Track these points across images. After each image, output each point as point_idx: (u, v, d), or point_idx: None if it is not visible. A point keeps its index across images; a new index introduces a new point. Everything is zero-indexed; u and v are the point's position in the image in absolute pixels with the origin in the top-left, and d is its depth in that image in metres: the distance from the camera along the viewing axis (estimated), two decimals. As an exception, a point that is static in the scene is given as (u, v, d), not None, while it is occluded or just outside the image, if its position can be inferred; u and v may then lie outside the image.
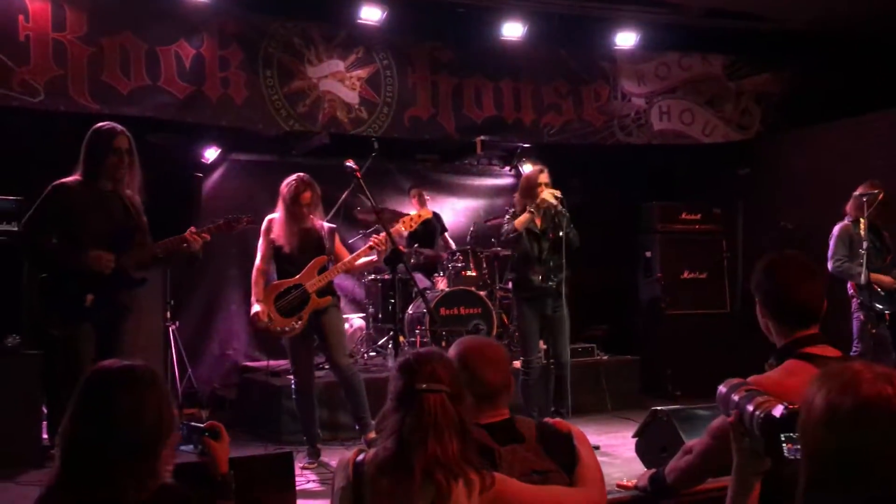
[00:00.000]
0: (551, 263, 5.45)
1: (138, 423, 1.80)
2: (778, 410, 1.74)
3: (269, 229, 5.11)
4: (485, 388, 2.22)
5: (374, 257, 5.08)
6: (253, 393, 6.56)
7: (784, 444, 1.68)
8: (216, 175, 7.57)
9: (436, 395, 1.95)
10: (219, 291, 7.43)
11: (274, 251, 5.10)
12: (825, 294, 2.39)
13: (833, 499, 1.33)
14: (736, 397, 1.90)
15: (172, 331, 6.34)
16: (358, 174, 4.78)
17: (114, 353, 4.05)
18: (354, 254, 5.12)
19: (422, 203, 7.67)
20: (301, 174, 5.11)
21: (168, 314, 6.27)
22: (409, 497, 1.88)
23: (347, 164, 4.82)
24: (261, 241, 5.15)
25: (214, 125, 6.62)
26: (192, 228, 4.39)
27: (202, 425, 2.18)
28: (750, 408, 1.81)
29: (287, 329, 4.97)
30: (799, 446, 1.62)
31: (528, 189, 5.49)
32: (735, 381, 2.03)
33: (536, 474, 2.11)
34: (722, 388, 2.02)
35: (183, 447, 2.13)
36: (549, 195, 5.37)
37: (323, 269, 5.06)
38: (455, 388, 2.00)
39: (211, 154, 7.43)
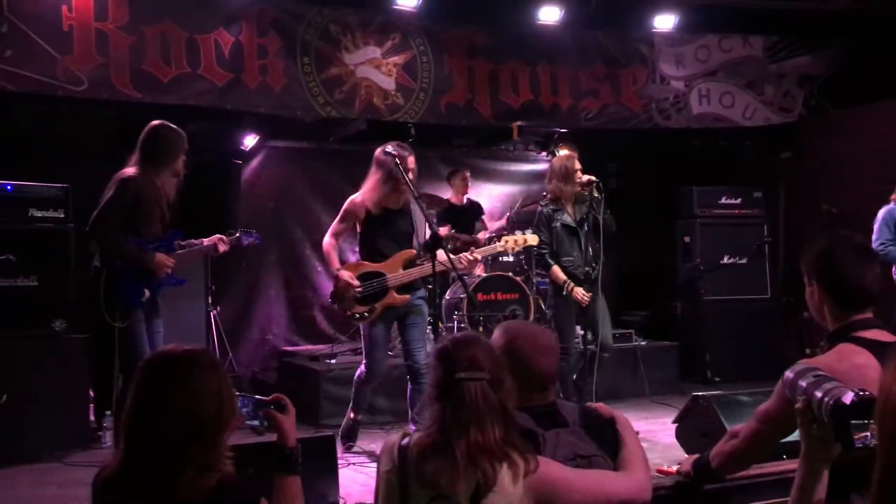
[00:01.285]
0: (590, 252, 5.43)
1: (201, 408, 1.80)
2: (848, 397, 1.68)
3: (353, 209, 4.87)
4: (537, 376, 2.22)
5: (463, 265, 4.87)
6: (293, 377, 6.64)
7: (854, 432, 1.63)
8: (255, 162, 7.63)
9: (476, 382, 1.95)
10: (258, 277, 7.51)
11: (361, 234, 4.92)
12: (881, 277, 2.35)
13: None
14: (804, 383, 1.84)
15: (213, 316, 6.43)
16: (397, 160, 4.77)
17: (153, 346, 4.34)
18: (445, 259, 4.65)
19: (465, 188, 7.66)
20: (397, 142, 4.90)
21: (209, 300, 6.35)
22: (453, 482, 1.89)
23: (387, 149, 4.82)
24: (339, 218, 4.93)
25: (253, 112, 6.67)
26: (223, 238, 4.65)
27: (267, 398, 2.13)
28: (818, 394, 1.75)
29: (356, 315, 4.80)
30: (869, 434, 1.58)
31: (567, 175, 5.45)
32: (802, 365, 1.99)
33: (581, 458, 2.11)
34: (789, 374, 1.98)
35: (248, 422, 2.09)
36: (586, 177, 5.39)
37: (410, 264, 4.83)
38: (495, 372, 1.99)
39: (250, 141, 7.49)
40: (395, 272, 4.79)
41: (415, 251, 4.86)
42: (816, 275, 2.35)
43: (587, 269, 5.42)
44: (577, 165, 5.50)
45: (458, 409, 1.93)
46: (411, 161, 4.81)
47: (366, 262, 4.88)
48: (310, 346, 7.22)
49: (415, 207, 4.86)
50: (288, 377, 6.77)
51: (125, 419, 1.84)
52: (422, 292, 4.98)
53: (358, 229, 5.00)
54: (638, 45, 7.66)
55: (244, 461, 1.94)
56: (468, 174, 7.71)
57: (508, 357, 2.15)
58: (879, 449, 1.38)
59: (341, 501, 3.55)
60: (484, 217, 7.87)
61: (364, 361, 4.95)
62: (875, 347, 2.18)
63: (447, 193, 7.73)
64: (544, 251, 5.53)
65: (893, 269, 5.68)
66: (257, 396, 2.14)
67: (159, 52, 6.03)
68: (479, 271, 7.04)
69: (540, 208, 5.63)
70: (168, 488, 1.76)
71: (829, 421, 1.70)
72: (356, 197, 4.91)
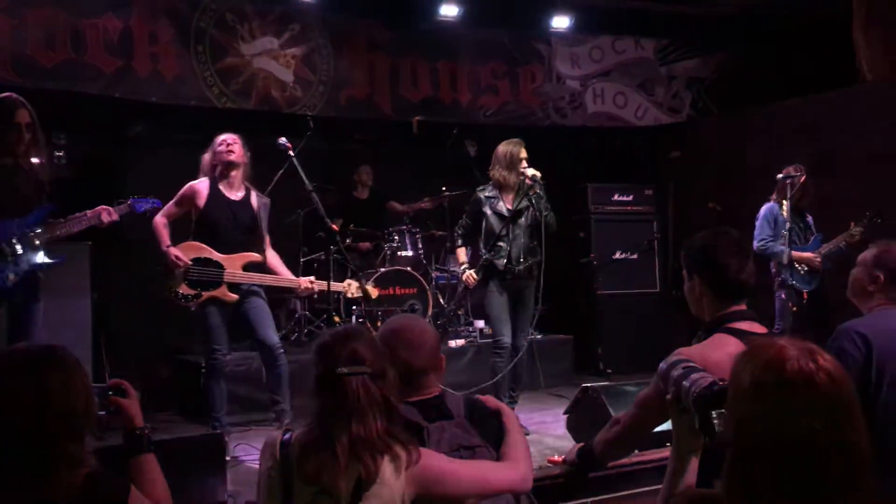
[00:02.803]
0: (522, 245, 5.27)
1: (70, 402, 1.78)
2: (710, 387, 1.76)
3: (190, 195, 4.74)
4: (404, 370, 2.22)
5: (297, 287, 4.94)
6: (185, 374, 6.45)
7: (716, 421, 1.69)
8: (146, 153, 7.38)
9: (357, 377, 1.94)
10: (151, 271, 7.26)
11: (199, 223, 4.75)
12: (756, 271, 2.47)
13: (759, 474, 1.36)
14: (675, 374, 1.90)
15: (101, 312, 6.18)
16: (291, 152, 4.71)
17: (28, 333, 4.03)
18: (283, 277, 4.87)
19: (368, 181, 7.63)
20: (231, 134, 4.81)
21: (96, 295, 6.11)
22: (335, 477, 1.88)
23: (280, 141, 4.74)
24: (174, 202, 4.79)
25: (144, 101, 6.45)
26: (108, 208, 4.30)
27: (105, 385, 2.11)
28: (686, 384, 1.82)
29: (181, 297, 4.63)
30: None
31: (511, 163, 5.26)
32: (675, 357, 2.06)
33: (464, 449, 2.14)
34: (662, 365, 2.04)
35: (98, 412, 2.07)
36: (531, 171, 5.20)
37: (250, 267, 4.77)
38: (377, 365, 1.99)
39: (140, 131, 7.24)
40: (233, 268, 4.70)
41: (260, 257, 4.79)
42: (697, 268, 2.46)
43: (511, 262, 5.24)
44: (524, 153, 5.29)
45: (339, 404, 1.92)
46: (238, 156, 4.78)
47: (207, 248, 4.71)
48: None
49: (258, 200, 4.87)
50: (180, 374, 6.58)
51: None
52: (254, 288, 4.85)
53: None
54: (536, 44, 7.80)
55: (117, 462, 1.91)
56: (370, 168, 7.70)
57: (383, 349, 2.16)
58: (730, 432, 1.45)
59: (230, 500, 3.48)
60: (393, 201, 7.81)
61: (206, 355, 4.72)
62: (747, 338, 2.29)
63: (348, 188, 7.69)
64: (458, 233, 5.49)
65: (772, 264, 5.96)
66: (95, 385, 2.10)
67: (42, 37, 5.77)
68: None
69: (477, 192, 5.45)
70: (41, 486, 1.73)
71: (694, 410, 1.77)
72: (194, 182, 4.84)
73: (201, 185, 4.77)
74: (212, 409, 4.72)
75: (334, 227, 4.66)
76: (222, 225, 4.73)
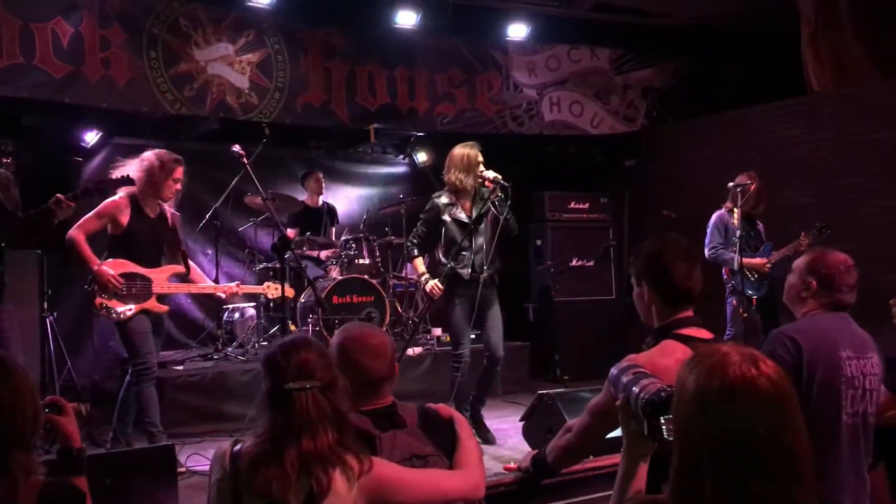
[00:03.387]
0: (483, 252, 5.12)
1: (19, 411, 1.75)
2: (658, 393, 1.78)
3: (113, 212, 4.64)
4: (365, 377, 2.20)
5: (222, 295, 5.09)
6: (137, 385, 6.34)
7: (664, 426, 1.71)
8: (97, 160, 7.25)
9: (306, 392, 1.90)
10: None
11: (120, 239, 4.69)
12: (702, 278, 2.51)
13: (702, 477, 1.38)
14: (625, 379, 1.92)
15: (50, 322, 6.04)
16: (245, 160, 4.67)
17: None
18: (207, 285, 5.00)
19: (319, 189, 7.58)
20: (166, 151, 4.80)
21: (45, 304, 5.97)
22: (285, 490, 1.85)
23: (234, 148, 4.69)
24: (94, 216, 4.65)
25: (94, 107, 6.34)
26: (59, 196, 4.19)
27: (40, 402, 2.02)
28: (636, 390, 1.84)
29: (113, 314, 4.59)
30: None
31: (468, 166, 5.10)
32: (625, 363, 2.08)
33: (417, 458, 2.13)
34: (613, 371, 2.06)
35: None
36: (492, 174, 5.04)
37: (176, 279, 4.81)
38: (327, 377, 1.96)
39: (91, 138, 7.12)
40: (161, 281, 4.73)
41: (184, 269, 4.83)
42: (645, 275, 2.49)
43: (475, 271, 5.11)
44: (480, 157, 5.12)
45: (288, 420, 1.89)
46: (178, 178, 4.77)
47: (132, 263, 4.68)
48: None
49: (173, 215, 4.94)
50: (132, 385, 6.46)
51: None
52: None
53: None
54: (493, 52, 7.85)
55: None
56: (321, 175, 7.65)
57: (340, 358, 2.15)
58: (675, 441, 1.47)
59: (181, 512, 3.43)
60: (335, 226, 7.79)
61: (136, 361, 4.61)
62: (694, 344, 2.33)
63: (302, 195, 7.63)
64: (414, 241, 5.29)
65: (723, 271, 6.06)
66: None
67: (-11, 40, 5.64)
68: (335, 274, 7.00)
69: (433, 199, 5.28)
70: (3, 497, 1.70)
71: (643, 415, 1.78)
72: (114, 199, 4.73)
73: (122, 202, 4.69)
74: (145, 414, 4.62)
75: (289, 234, 4.61)
76: (144, 242, 4.73)
